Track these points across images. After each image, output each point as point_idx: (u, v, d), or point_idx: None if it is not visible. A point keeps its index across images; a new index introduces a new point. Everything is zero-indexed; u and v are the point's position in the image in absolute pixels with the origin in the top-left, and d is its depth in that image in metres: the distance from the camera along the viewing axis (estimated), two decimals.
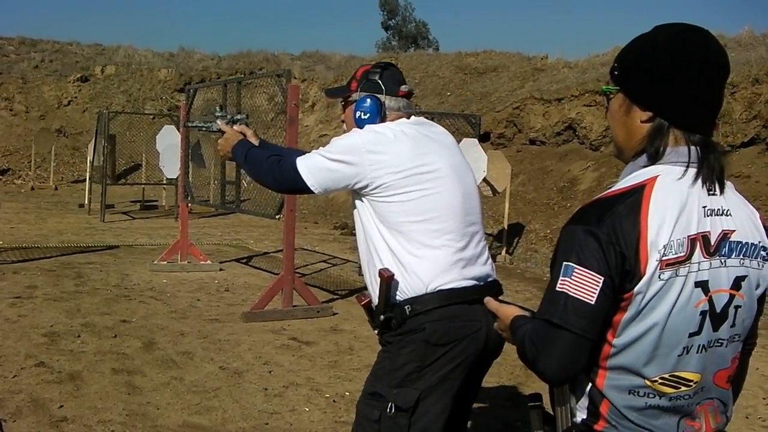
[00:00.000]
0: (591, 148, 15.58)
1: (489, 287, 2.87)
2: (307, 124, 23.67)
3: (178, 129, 15.77)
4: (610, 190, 1.87)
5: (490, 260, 3.00)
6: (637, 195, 1.79)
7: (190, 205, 11.09)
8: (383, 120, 3.00)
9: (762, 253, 1.89)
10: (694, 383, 1.83)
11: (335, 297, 9.14)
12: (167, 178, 17.08)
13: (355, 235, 3.13)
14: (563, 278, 1.78)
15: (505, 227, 13.11)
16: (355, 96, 3.07)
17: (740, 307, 1.85)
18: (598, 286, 1.74)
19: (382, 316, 2.86)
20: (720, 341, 1.85)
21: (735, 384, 1.99)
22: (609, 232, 1.75)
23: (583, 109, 15.98)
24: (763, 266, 1.89)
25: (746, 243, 1.86)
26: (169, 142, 15.10)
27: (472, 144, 11.28)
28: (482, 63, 21.53)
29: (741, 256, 1.85)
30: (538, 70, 19.28)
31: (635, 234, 1.74)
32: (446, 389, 2.79)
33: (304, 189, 2.95)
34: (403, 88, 3.06)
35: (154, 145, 16.42)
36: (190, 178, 10.95)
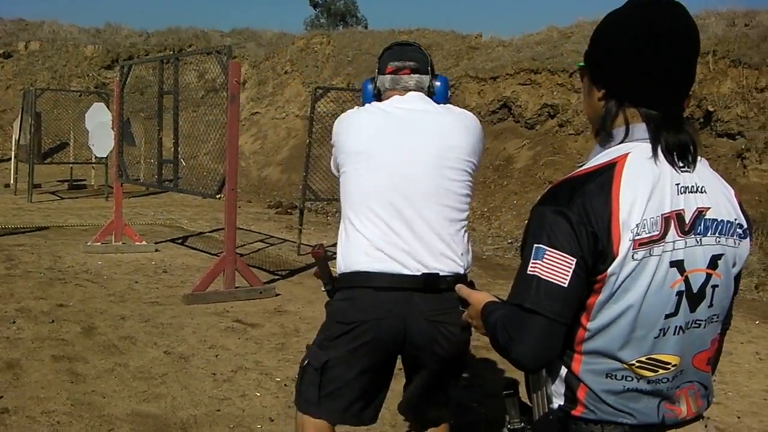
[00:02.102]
0: (526, 126, 15.64)
1: (414, 279, 2.76)
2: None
3: (108, 106, 15.42)
4: (579, 169, 1.81)
5: (445, 252, 2.82)
6: (608, 173, 1.73)
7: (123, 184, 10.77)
8: (379, 99, 3.04)
9: (738, 230, 1.84)
10: (673, 366, 1.78)
11: (276, 277, 8.99)
12: (96, 157, 16.66)
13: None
14: (534, 261, 1.71)
15: None
16: None
17: (717, 286, 1.80)
18: (570, 268, 1.68)
19: (322, 288, 3.02)
20: (698, 322, 1.80)
21: (712, 365, 1.93)
22: (580, 211, 1.69)
23: (519, 88, 16.02)
24: (739, 244, 1.84)
25: (721, 221, 1.81)
26: (98, 120, 14.74)
27: None
28: (416, 41, 21.22)
29: (717, 234, 1.80)
30: (472, 48, 19.24)
31: (607, 213, 1.69)
32: (354, 365, 2.81)
33: None
34: (392, 64, 3.01)
35: (83, 123, 16.00)
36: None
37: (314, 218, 14.38)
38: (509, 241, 12.22)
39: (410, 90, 2.98)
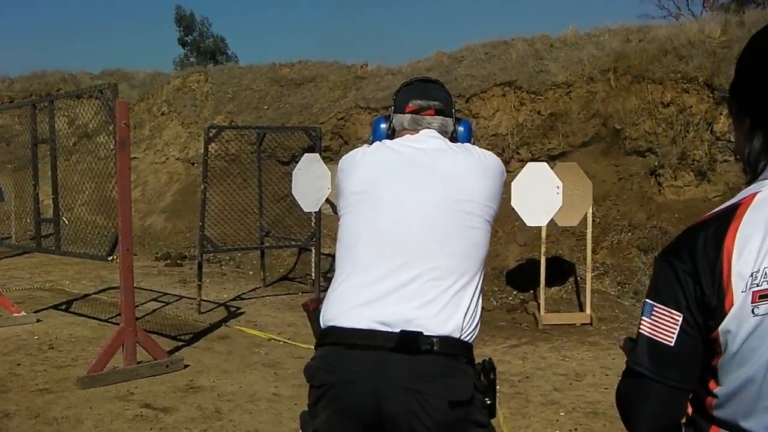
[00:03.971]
0: None
1: (388, 336, 2.28)
2: (113, 147, 21.96)
3: None
4: (707, 214, 1.61)
5: (435, 309, 2.32)
6: (728, 217, 1.54)
7: None
8: (392, 137, 2.73)
9: None
10: None
11: (180, 344, 7.98)
12: None
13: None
14: (643, 318, 1.60)
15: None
16: None
17: None
18: (677, 324, 1.54)
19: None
20: None
21: None
22: (686, 260, 1.53)
23: None
24: None
25: None
26: None
27: (314, 159, 10.33)
28: (299, 74, 20.60)
29: None
30: (359, 78, 18.57)
31: (717, 261, 1.49)
32: None
33: None
34: (414, 102, 2.69)
35: None
36: None
37: (208, 268, 13.29)
38: None
39: (423, 128, 2.66)
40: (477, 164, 2.55)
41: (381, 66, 18.88)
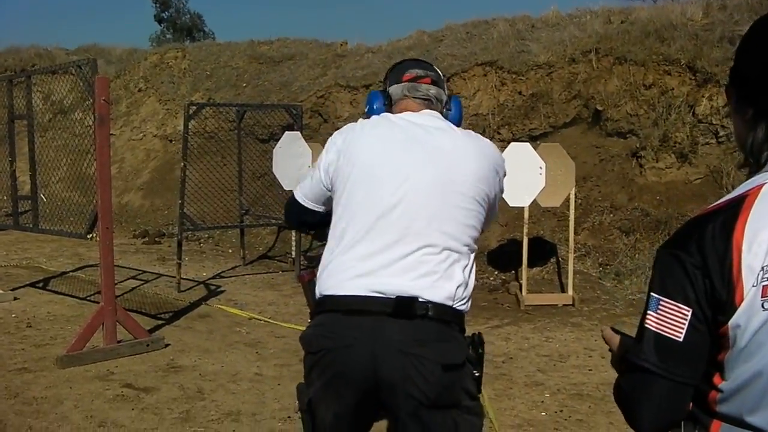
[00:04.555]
0: None
1: (384, 301, 2.37)
2: (89, 124, 21.70)
3: None
4: (710, 205, 1.58)
5: (431, 278, 2.42)
6: (735, 209, 1.50)
7: None
8: (390, 110, 2.78)
9: None
10: None
11: (161, 322, 7.91)
12: None
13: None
14: (649, 312, 1.56)
15: None
16: None
17: None
18: (686, 319, 1.50)
19: (310, 319, 2.65)
20: None
21: None
22: (695, 254, 1.50)
23: None
24: None
25: None
26: None
27: (295, 137, 10.25)
28: (278, 51, 20.40)
29: None
30: (339, 56, 18.41)
31: (726, 255, 1.47)
32: (330, 403, 2.45)
33: None
34: (411, 71, 2.78)
35: None
36: None
37: (187, 246, 13.12)
38: None
39: (430, 100, 2.74)
40: (475, 147, 2.64)
41: (361, 45, 18.73)
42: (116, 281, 9.30)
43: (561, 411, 5.38)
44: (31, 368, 6.28)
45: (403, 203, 2.48)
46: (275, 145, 10.79)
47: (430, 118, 2.68)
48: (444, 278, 2.43)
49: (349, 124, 2.71)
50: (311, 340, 2.50)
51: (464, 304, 2.49)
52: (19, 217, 8.40)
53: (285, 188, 10.39)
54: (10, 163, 8.23)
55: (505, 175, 2.75)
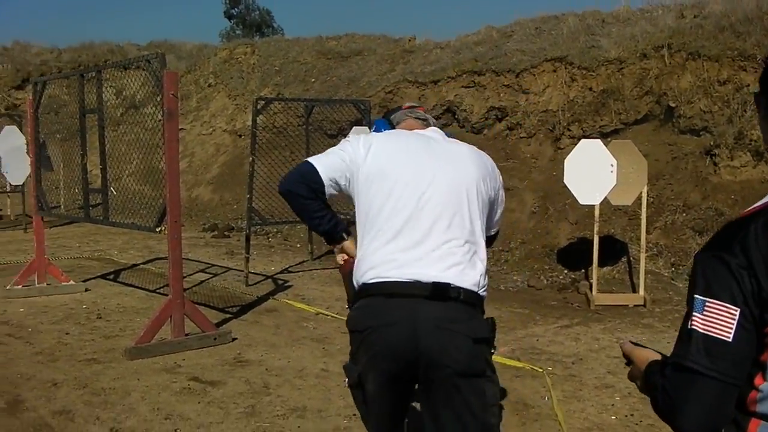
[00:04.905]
0: (472, 131, 14.76)
1: (422, 286, 2.75)
2: (160, 118, 21.95)
3: (20, 128, 14.12)
4: (749, 208, 1.61)
5: (458, 267, 2.82)
6: None
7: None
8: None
9: None
10: None
11: (228, 316, 7.95)
12: (11, 185, 15.34)
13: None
14: (695, 314, 1.55)
15: None
16: None
17: None
18: (734, 319, 1.50)
19: (346, 306, 3.13)
20: None
21: None
22: (739, 255, 1.50)
23: (462, 91, 15.17)
24: None
25: None
26: (11, 144, 13.46)
27: (363, 132, 10.20)
28: (345, 47, 20.45)
29: None
30: (407, 51, 18.35)
31: None
32: (376, 377, 2.83)
33: None
34: (407, 104, 3.48)
35: None
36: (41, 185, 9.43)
37: (255, 240, 13.21)
38: None
39: (426, 120, 3.28)
40: (477, 156, 3.10)
41: (429, 40, 18.66)
42: (185, 274, 9.43)
43: (632, 415, 5.23)
44: (101, 359, 6.35)
45: (430, 203, 2.87)
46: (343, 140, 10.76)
47: (436, 133, 3.18)
48: (469, 267, 2.84)
49: (363, 135, 3.14)
50: (358, 320, 2.88)
51: (485, 290, 2.90)
52: (90, 209, 8.50)
53: None
54: (81, 156, 8.33)
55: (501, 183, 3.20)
